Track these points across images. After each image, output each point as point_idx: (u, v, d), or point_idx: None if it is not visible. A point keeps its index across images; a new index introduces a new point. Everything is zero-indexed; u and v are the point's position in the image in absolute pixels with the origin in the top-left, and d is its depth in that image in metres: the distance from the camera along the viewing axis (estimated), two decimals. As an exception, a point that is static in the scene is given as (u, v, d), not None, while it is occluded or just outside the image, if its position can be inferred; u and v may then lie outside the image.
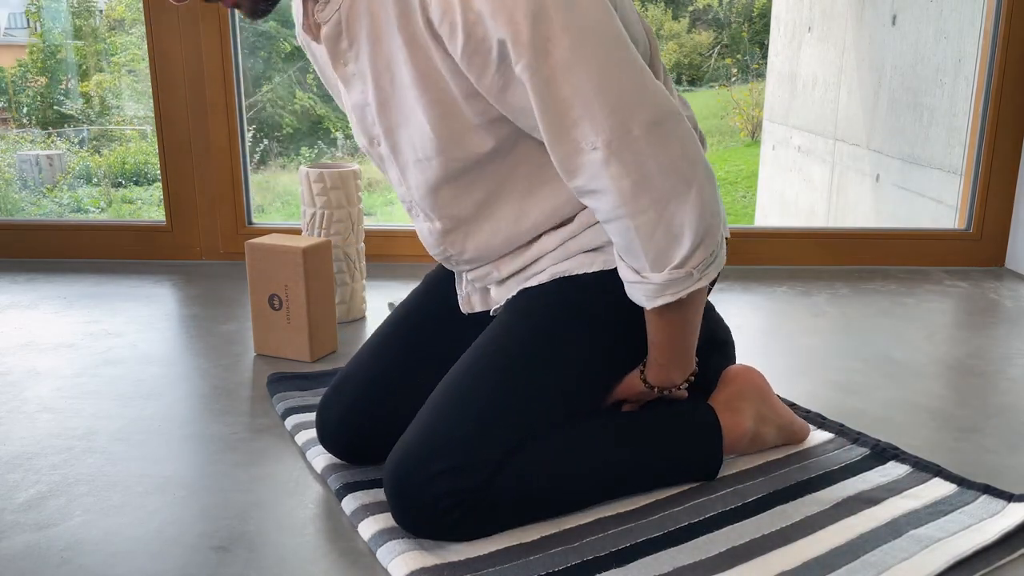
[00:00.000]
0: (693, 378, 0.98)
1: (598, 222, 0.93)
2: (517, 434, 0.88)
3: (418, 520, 0.86)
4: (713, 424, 1.00)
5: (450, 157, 0.91)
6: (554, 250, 0.97)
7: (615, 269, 0.92)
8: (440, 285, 1.10)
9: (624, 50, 0.81)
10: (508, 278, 1.01)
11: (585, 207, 0.94)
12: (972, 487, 0.99)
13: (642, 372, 0.97)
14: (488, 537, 0.88)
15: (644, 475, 0.96)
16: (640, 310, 0.92)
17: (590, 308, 0.95)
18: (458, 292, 1.08)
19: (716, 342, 1.14)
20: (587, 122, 0.80)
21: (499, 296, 1.03)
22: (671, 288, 0.86)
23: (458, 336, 1.04)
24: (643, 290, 0.87)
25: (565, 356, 0.93)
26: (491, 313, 1.05)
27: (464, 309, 1.07)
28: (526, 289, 0.98)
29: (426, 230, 1.00)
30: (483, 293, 1.06)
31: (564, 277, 0.96)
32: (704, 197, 0.83)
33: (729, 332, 1.18)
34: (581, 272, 0.95)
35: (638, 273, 0.87)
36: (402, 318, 1.09)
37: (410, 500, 0.86)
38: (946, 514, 0.93)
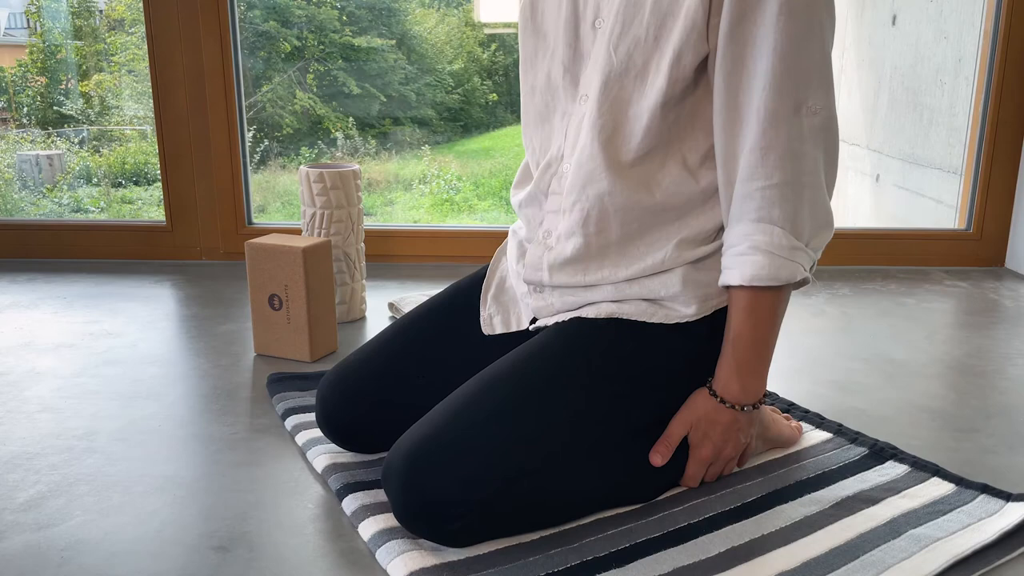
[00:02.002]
0: (763, 404, 0.98)
1: (656, 272, 0.95)
2: (538, 457, 0.87)
3: (419, 519, 0.84)
4: None
5: (631, 66, 0.92)
6: (611, 285, 0.97)
7: (673, 324, 0.95)
8: (464, 294, 1.10)
9: None
10: (555, 288, 1.00)
11: (653, 249, 0.95)
12: (970, 487, 0.99)
13: (710, 386, 0.97)
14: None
15: (643, 490, 0.96)
16: (690, 368, 0.96)
17: (641, 354, 0.94)
18: (481, 313, 1.07)
19: None
20: (818, 88, 0.88)
21: (537, 308, 1.02)
22: (807, 261, 0.91)
23: (476, 342, 1.03)
24: (792, 258, 0.89)
25: (606, 395, 0.92)
26: (530, 329, 1.04)
27: (485, 330, 1.06)
28: (580, 318, 0.97)
29: (581, 119, 0.98)
30: (505, 315, 1.06)
31: (620, 319, 0.95)
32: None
33: None
34: (640, 320, 0.95)
35: (796, 240, 0.90)
36: (420, 314, 1.08)
37: (417, 498, 0.83)
38: (944, 514, 0.93)
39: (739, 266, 0.91)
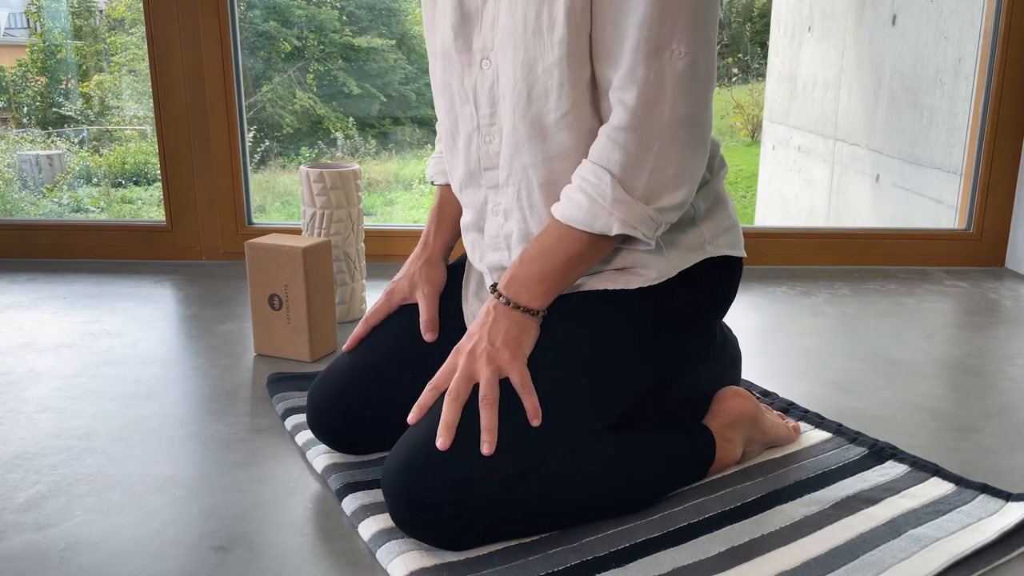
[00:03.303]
0: (541, 315, 0.91)
1: (621, 248, 0.93)
2: (537, 453, 0.85)
3: (417, 521, 0.84)
4: (709, 456, 1.00)
5: (527, 23, 0.88)
6: None
7: (637, 289, 0.93)
8: (449, 289, 1.09)
9: None
10: None
11: None
12: (970, 486, 0.99)
13: (494, 287, 0.93)
14: (486, 538, 0.88)
15: (639, 496, 0.95)
16: (670, 330, 0.95)
17: (617, 322, 0.93)
18: (464, 310, 1.07)
19: (728, 359, 1.12)
20: (688, 32, 0.83)
21: None
22: (641, 225, 0.87)
23: (459, 336, 1.03)
24: (612, 210, 0.86)
25: (594, 369, 0.91)
26: None
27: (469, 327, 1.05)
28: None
29: (490, 86, 0.95)
30: None
31: (590, 291, 0.94)
32: (700, 172, 0.89)
33: (739, 348, 1.15)
34: (606, 288, 0.94)
35: (625, 193, 0.86)
36: (403, 313, 1.08)
37: (415, 500, 0.83)
38: (944, 513, 0.93)
39: (565, 203, 0.89)
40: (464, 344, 0.90)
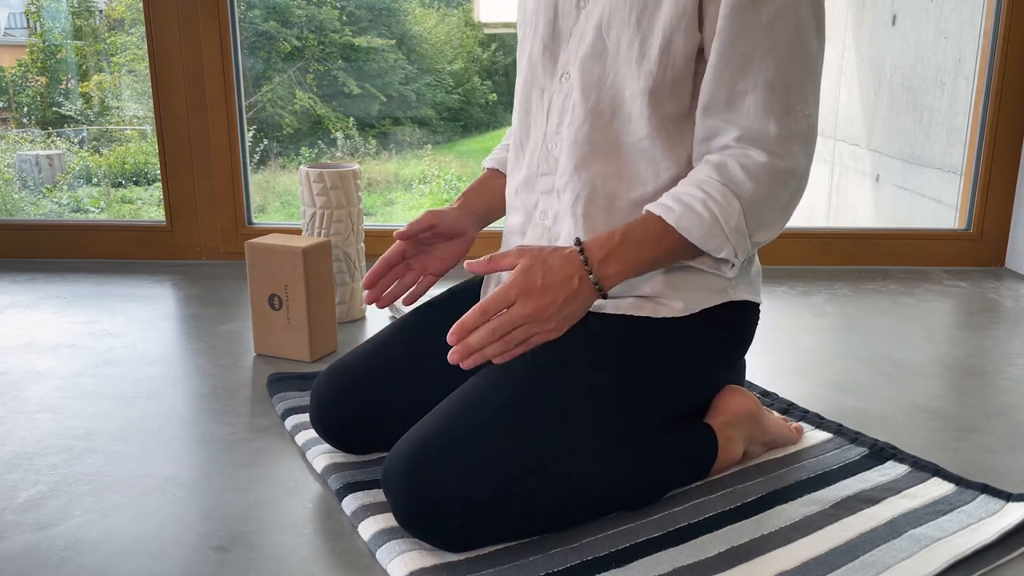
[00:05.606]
0: (601, 291, 0.91)
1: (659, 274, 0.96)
2: (541, 455, 0.86)
3: (420, 516, 0.83)
4: (711, 454, 1.01)
5: (619, 48, 0.93)
6: None
7: (662, 319, 0.95)
8: (459, 298, 1.10)
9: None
10: None
11: None
12: (970, 486, 0.99)
13: (579, 243, 0.91)
14: (485, 538, 0.88)
15: (642, 495, 0.95)
16: (683, 360, 0.97)
17: (636, 348, 0.94)
18: None
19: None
20: (809, 94, 0.91)
21: None
22: (742, 255, 0.93)
23: None
24: (729, 237, 0.90)
25: (605, 390, 0.92)
26: None
27: None
28: None
29: (565, 98, 0.99)
30: None
31: (611, 314, 0.95)
32: (790, 218, 0.98)
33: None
34: (631, 314, 0.95)
35: (745, 224, 0.91)
36: (416, 317, 1.08)
37: (417, 500, 0.83)
38: (945, 513, 0.93)
39: (682, 210, 0.89)
40: (532, 287, 0.87)
